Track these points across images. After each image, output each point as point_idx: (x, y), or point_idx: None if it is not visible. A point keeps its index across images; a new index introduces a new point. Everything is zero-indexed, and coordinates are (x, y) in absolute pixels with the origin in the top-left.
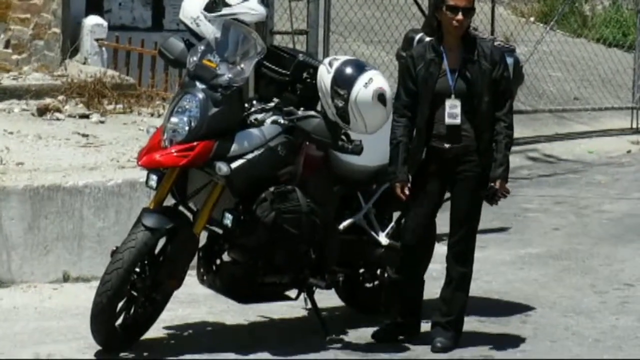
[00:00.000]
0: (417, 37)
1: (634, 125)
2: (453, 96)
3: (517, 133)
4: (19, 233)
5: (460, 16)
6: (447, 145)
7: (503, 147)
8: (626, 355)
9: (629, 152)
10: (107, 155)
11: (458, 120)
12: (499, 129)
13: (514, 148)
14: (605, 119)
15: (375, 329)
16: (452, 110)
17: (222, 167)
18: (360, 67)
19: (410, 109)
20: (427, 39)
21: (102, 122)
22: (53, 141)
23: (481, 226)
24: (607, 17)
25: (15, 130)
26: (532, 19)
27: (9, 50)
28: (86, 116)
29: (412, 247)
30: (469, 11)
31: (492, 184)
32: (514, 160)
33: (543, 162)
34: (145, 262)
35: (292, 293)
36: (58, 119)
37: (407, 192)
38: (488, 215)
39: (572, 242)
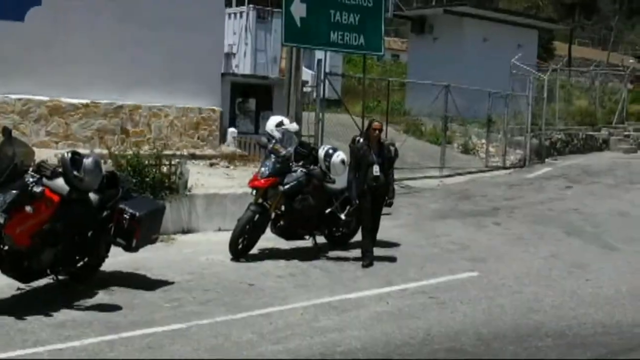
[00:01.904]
0: (358, 139)
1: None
2: (375, 164)
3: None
4: (202, 210)
5: (377, 133)
6: (374, 183)
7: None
8: None
9: (438, 185)
10: (237, 182)
11: (379, 173)
12: (391, 176)
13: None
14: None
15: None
16: (376, 169)
17: (280, 188)
18: (334, 149)
19: (356, 169)
20: (362, 140)
21: (233, 169)
22: (215, 176)
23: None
24: (432, 131)
25: (201, 171)
26: (402, 131)
27: (199, 141)
28: (228, 167)
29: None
30: (380, 131)
31: (389, 199)
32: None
33: (404, 187)
34: (250, 224)
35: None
36: (217, 167)
37: (356, 202)
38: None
39: (418, 220)
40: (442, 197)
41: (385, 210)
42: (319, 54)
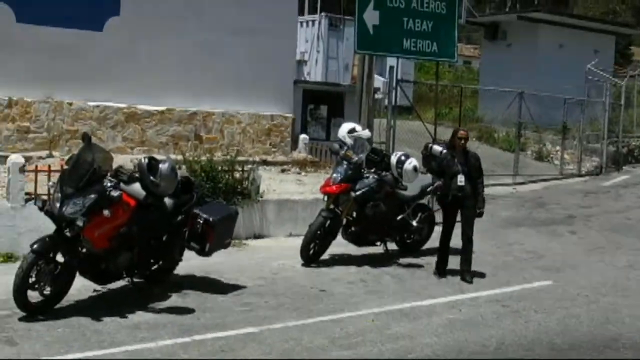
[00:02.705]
0: (430, 145)
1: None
2: (460, 174)
3: None
4: (273, 216)
5: (462, 142)
6: (459, 194)
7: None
8: None
9: (511, 192)
10: (308, 188)
11: (464, 183)
12: (480, 185)
13: None
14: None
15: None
16: (461, 179)
17: (352, 194)
18: (406, 156)
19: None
20: (439, 148)
21: (305, 176)
22: (286, 182)
23: None
24: (505, 138)
25: (273, 177)
26: (474, 138)
27: (270, 147)
28: (299, 173)
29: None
30: (466, 140)
31: (479, 209)
32: None
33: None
34: (321, 229)
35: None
36: (288, 173)
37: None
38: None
39: (490, 227)
40: (516, 205)
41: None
42: (390, 61)
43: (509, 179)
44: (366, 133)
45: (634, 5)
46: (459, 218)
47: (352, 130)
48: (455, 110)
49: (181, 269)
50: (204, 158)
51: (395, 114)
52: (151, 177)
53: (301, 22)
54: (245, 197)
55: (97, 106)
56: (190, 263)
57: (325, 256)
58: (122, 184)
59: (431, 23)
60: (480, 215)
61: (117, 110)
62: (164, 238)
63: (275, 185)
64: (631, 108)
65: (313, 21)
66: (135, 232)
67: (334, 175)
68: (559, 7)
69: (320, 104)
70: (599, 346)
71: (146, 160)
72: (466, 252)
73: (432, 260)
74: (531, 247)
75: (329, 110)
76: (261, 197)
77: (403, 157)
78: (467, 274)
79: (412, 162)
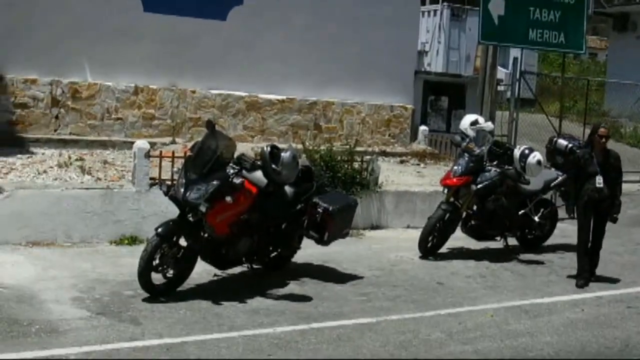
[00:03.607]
0: (555, 139)
1: None
2: (599, 175)
3: None
4: (391, 207)
5: (603, 140)
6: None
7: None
8: None
9: (638, 190)
10: (427, 180)
11: (602, 185)
12: (618, 188)
13: None
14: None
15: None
16: (599, 180)
17: (472, 187)
18: (530, 150)
19: (576, 180)
20: (564, 142)
21: (424, 167)
22: (405, 174)
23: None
24: (632, 133)
25: (392, 168)
26: None
27: (390, 138)
28: (418, 164)
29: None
30: (607, 138)
31: (615, 215)
32: None
33: None
34: (440, 222)
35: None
36: (407, 165)
37: (572, 215)
38: None
39: (614, 226)
40: None
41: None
42: (514, 52)
43: (636, 177)
44: (489, 125)
45: None
46: None
47: (474, 122)
48: (580, 104)
49: (299, 257)
50: (323, 147)
51: (518, 107)
52: (273, 165)
53: (422, 12)
54: (363, 187)
55: (220, 94)
56: (307, 252)
57: (443, 249)
58: (244, 172)
59: (559, 13)
60: (615, 221)
61: (238, 98)
62: (284, 226)
63: (394, 176)
64: None
65: (435, 11)
66: (256, 219)
67: (455, 167)
68: None
69: (441, 95)
70: None
71: (269, 148)
72: (593, 259)
73: (554, 257)
74: None
75: (450, 102)
76: (380, 187)
77: (527, 151)
78: (585, 280)
79: (536, 156)
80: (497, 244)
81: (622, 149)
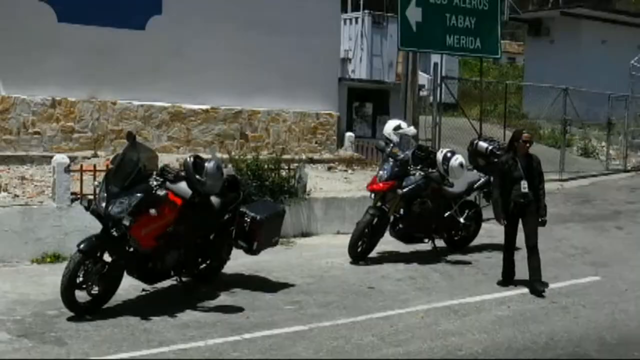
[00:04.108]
0: (476, 142)
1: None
2: (524, 180)
3: None
4: (321, 214)
5: (527, 145)
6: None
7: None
8: None
9: (557, 189)
10: (355, 186)
11: (527, 190)
12: (542, 192)
13: None
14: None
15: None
16: (524, 185)
17: (398, 191)
18: (452, 152)
19: (500, 185)
20: (484, 144)
21: (351, 173)
22: (333, 180)
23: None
24: (550, 134)
25: (320, 175)
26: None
27: (317, 145)
28: (346, 170)
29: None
30: (531, 143)
31: (542, 218)
32: None
33: None
34: (369, 227)
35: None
36: (335, 171)
37: (504, 222)
38: None
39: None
40: (562, 201)
41: None
42: (435, 58)
43: (555, 176)
44: (411, 130)
45: None
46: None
47: (397, 127)
48: (500, 107)
49: (230, 267)
50: (249, 156)
51: (441, 111)
52: (197, 176)
53: (345, 20)
54: (292, 195)
55: (142, 105)
56: (238, 262)
57: (373, 254)
58: (168, 183)
59: (474, 19)
60: (544, 223)
61: (161, 109)
62: (212, 236)
63: (323, 183)
64: None
65: (356, 18)
66: (183, 231)
67: (381, 172)
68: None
69: (366, 102)
70: None
71: (192, 159)
72: (532, 261)
73: (481, 257)
74: (578, 242)
75: (374, 108)
76: (308, 195)
77: (449, 154)
78: (538, 283)
79: (458, 159)
80: (425, 246)
81: (541, 149)
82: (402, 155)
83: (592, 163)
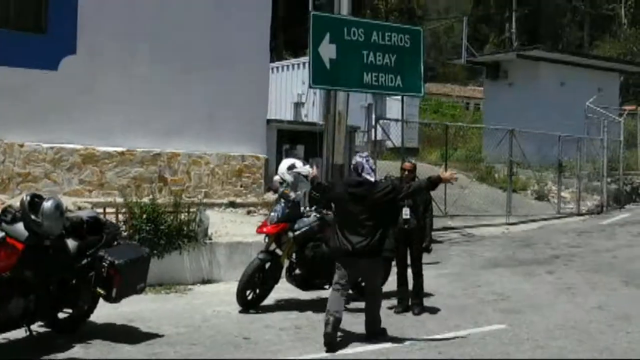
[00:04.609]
0: (390, 177)
1: (507, 221)
2: (405, 207)
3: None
4: (224, 260)
5: (406, 173)
6: (405, 226)
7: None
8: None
9: (503, 232)
10: None
11: (409, 216)
12: (427, 220)
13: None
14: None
15: None
16: (406, 212)
17: (290, 234)
18: None
19: None
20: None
21: None
22: (248, 224)
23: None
24: (505, 178)
25: (235, 219)
26: (474, 178)
27: (242, 189)
28: (267, 214)
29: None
30: (411, 171)
31: (425, 245)
32: (452, 235)
33: (465, 235)
34: (260, 273)
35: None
36: (254, 215)
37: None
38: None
39: (465, 269)
40: (502, 245)
41: (433, 258)
42: (391, 103)
43: (502, 219)
44: (306, 169)
45: None
46: None
47: (291, 167)
48: (461, 151)
49: (104, 316)
50: (145, 200)
51: (376, 153)
52: (32, 216)
53: (298, 64)
54: (191, 239)
55: (52, 148)
56: (118, 310)
57: (269, 301)
58: (4, 224)
59: (394, 57)
60: (427, 250)
61: (73, 151)
62: (69, 283)
63: (235, 227)
64: (635, 146)
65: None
66: (29, 277)
67: (272, 214)
68: (568, 47)
69: (297, 144)
70: None
71: (28, 197)
72: (415, 286)
73: (389, 302)
74: (500, 288)
75: (306, 150)
76: (210, 239)
77: None
78: (417, 307)
79: None
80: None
81: (495, 193)
82: (293, 196)
83: (545, 206)
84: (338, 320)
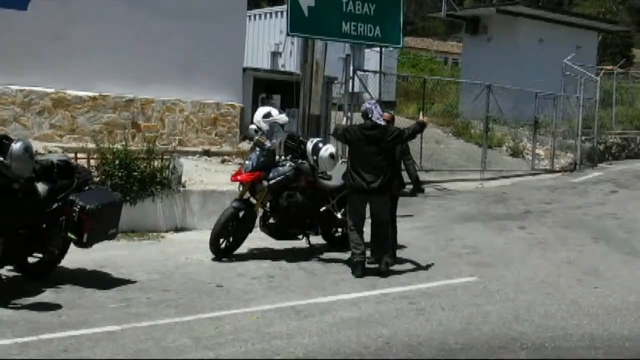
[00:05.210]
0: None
1: (482, 177)
2: None
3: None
4: (197, 208)
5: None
6: None
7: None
8: None
9: (477, 188)
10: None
11: None
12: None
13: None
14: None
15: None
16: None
17: (265, 183)
18: (324, 143)
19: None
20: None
21: None
22: (223, 173)
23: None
24: (481, 133)
25: (209, 168)
26: (450, 133)
27: (217, 137)
28: (241, 164)
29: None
30: (388, 122)
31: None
32: (426, 189)
33: (440, 190)
34: (234, 221)
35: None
36: (229, 164)
37: None
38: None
39: (439, 222)
40: (476, 200)
41: (408, 212)
42: (369, 55)
43: (477, 175)
44: (282, 117)
45: (630, 5)
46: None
47: (267, 115)
48: (438, 105)
49: (76, 261)
50: (118, 145)
51: (352, 105)
52: (1, 158)
53: (276, 13)
54: (164, 187)
55: (21, 90)
56: (90, 255)
57: (242, 249)
58: None
59: (374, 6)
60: (420, 191)
61: (43, 95)
62: (39, 227)
63: (209, 176)
64: (610, 106)
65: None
66: None
67: (247, 162)
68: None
69: (273, 94)
70: (495, 347)
71: None
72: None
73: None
74: (472, 242)
75: (283, 100)
76: (183, 187)
77: (320, 144)
78: (390, 258)
79: (328, 149)
80: (303, 243)
81: (471, 148)
82: (269, 145)
83: (520, 163)
84: (363, 253)
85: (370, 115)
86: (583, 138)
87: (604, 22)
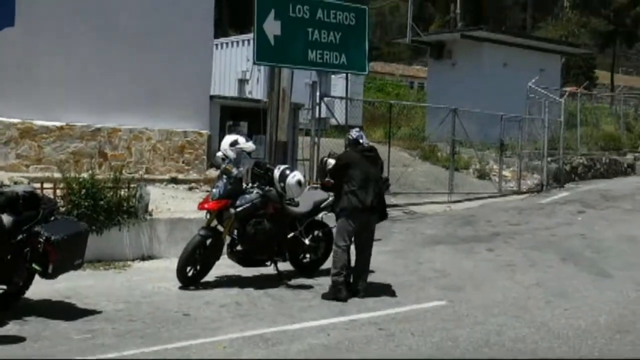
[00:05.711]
0: (325, 159)
1: (449, 199)
2: None
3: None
4: (164, 236)
5: None
6: None
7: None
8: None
9: (445, 210)
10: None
11: None
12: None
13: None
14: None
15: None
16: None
17: (232, 211)
18: (290, 170)
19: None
20: (333, 161)
21: None
22: (189, 200)
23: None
24: (448, 157)
25: (176, 195)
26: (417, 157)
27: (184, 165)
28: (208, 191)
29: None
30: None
31: None
32: (394, 213)
33: (407, 213)
34: (201, 249)
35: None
36: (196, 192)
37: None
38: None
39: (407, 246)
40: (443, 223)
41: (376, 236)
42: (335, 81)
43: (444, 197)
44: (249, 146)
45: (592, 28)
46: None
47: (234, 143)
48: (404, 129)
49: (40, 293)
50: (84, 175)
51: (320, 131)
52: None
53: (243, 41)
54: (131, 215)
55: None
56: (54, 287)
57: (210, 278)
58: None
59: (339, 35)
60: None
61: (10, 125)
62: (6, 259)
63: (176, 203)
64: (575, 127)
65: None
66: None
67: (214, 190)
68: (513, 29)
69: (241, 121)
70: None
71: None
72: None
73: (327, 280)
74: (441, 265)
75: (250, 127)
76: (150, 215)
77: (287, 171)
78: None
79: (295, 176)
80: (271, 269)
81: (437, 171)
82: (235, 172)
83: (487, 185)
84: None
85: (361, 141)
86: (549, 159)
87: (567, 45)
